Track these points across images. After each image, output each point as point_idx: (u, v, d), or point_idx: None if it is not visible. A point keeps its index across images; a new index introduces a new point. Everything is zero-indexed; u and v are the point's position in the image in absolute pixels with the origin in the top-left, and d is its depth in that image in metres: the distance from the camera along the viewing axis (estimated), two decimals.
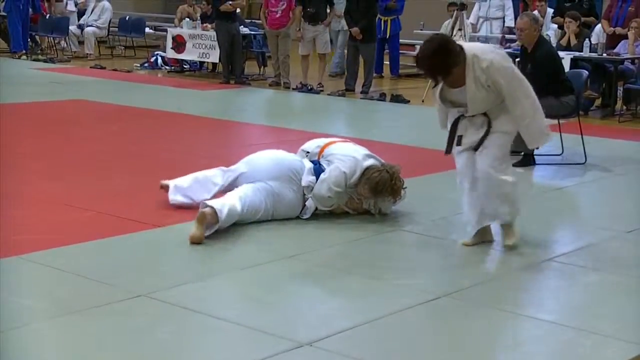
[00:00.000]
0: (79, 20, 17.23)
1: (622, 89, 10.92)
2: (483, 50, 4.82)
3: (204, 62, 14.60)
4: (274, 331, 3.76)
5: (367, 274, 4.59)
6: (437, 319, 4.08)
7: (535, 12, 10.71)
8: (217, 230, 5.02)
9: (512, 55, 10.76)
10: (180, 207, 5.56)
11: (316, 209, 5.51)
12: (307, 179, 5.47)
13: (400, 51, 14.41)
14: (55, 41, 16.83)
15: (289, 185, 5.43)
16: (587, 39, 10.66)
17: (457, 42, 4.83)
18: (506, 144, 4.92)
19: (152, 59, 15.20)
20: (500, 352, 3.78)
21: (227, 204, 5.11)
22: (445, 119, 5.04)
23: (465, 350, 3.73)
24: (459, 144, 4.95)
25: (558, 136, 7.85)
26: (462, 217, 5.17)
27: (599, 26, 11.93)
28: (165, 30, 15.15)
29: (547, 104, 7.33)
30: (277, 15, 12.66)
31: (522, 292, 4.48)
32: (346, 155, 5.55)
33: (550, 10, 12.83)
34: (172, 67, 14.87)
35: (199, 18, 14.80)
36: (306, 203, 5.48)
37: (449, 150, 5.01)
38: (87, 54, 16.55)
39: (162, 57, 15.14)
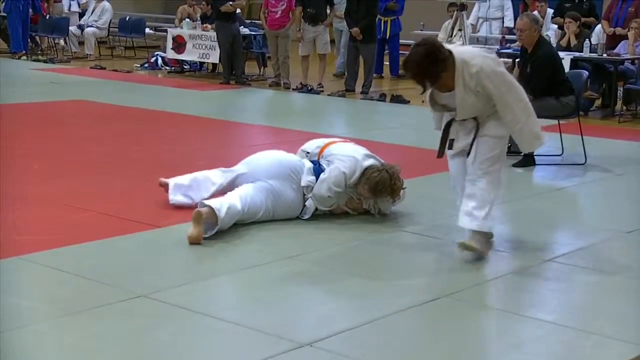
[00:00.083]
0: (80, 20, 17.24)
1: (622, 89, 10.92)
2: (472, 55, 4.74)
3: (204, 62, 14.60)
4: (274, 331, 3.76)
5: (367, 275, 4.59)
6: (437, 320, 4.08)
7: (535, 13, 10.71)
8: (219, 231, 5.03)
9: (512, 56, 10.87)
10: (180, 207, 5.56)
11: (316, 209, 5.51)
12: (307, 178, 5.47)
13: (401, 52, 14.36)
14: (55, 41, 16.84)
15: (288, 184, 5.43)
16: (587, 40, 10.66)
17: (447, 46, 4.73)
18: (495, 147, 4.80)
19: (152, 60, 15.21)
20: (500, 352, 3.77)
21: (226, 203, 5.10)
22: (440, 121, 5.01)
23: (465, 350, 3.72)
24: (450, 147, 4.92)
25: (558, 137, 7.85)
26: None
27: (599, 26, 11.94)
28: (166, 31, 15.16)
29: (547, 104, 7.39)
30: (277, 16, 12.66)
31: (522, 293, 4.48)
32: (346, 155, 5.55)
33: (550, 11, 12.84)
34: (172, 68, 14.87)
35: (199, 18, 14.80)
36: (306, 203, 5.48)
37: (440, 153, 4.98)
38: (87, 54, 16.56)
39: (162, 58, 15.14)
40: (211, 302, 4.18)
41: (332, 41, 13.90)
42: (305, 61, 12.71)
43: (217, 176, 5.65)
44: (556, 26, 12.47)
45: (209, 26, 13.83)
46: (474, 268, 4.74)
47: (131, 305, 4.02)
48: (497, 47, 14.08)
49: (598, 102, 11.32)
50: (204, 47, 13.93)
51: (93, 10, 16.96)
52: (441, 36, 12.57)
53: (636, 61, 10.72)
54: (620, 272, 4.77)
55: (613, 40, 11.24)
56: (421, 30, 15.03)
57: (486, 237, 4.88)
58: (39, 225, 5.26)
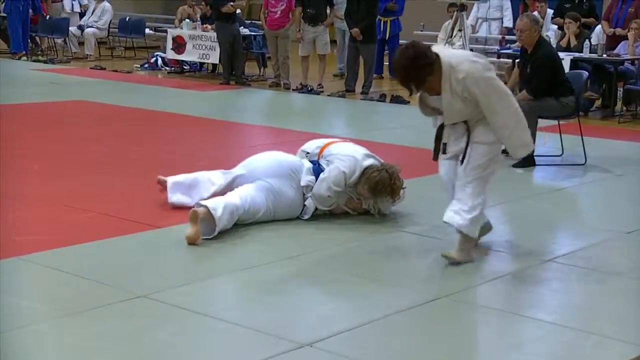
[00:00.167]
0: (80, 21, 17.24)
1: (622, 89, 10.92)
2: (460, 60, 4.65)
3: (204, 63, 14.60)
4: (274, 332, 3.76)
5: (367, 275, 4.59)
6: (437, 320, 4.07)
7: (535, 13, 10.70)
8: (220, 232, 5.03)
9: (512, 56, 10.86)
10: (180, 207, 5.56)
11: (316, 209, 5.52)
12: (306, 178, 5.47)
13: None
14: (54, 41, 16.83)
15: (288, 183, 5.43)
16: (587, 40, 10.65)
17: (435, 49, 4.64)
18: (488, 153, 4.74)
19: (152, 60, 15.20)
20: (501, 352, 3.77)
21: (222, 202, 5.10)
22: (436, 120, 4.98)
23: (464, 351, 3.73)
24: (444, 151, 4.88)
25: (558, 137, 7.86)
26: None
27: (599, 27, 11.94)
28: (166, 31, 15.16)
29: (547, 104, 7.40)
30: (277, 16, 12.66)
31: (523, 293, 4.48)
32: (346, 155, 5.55)
33: (550, 11, 12.84)
34: (172, 68, 14.87)
35: (199, 19, 14.80)
36: (306, 203, 5.48)
37: (435, 156, 4.96)
38: (87, 54, 16.56)
39: (162, 58, 15.13)
40: (211, 303, 4.18)
41: (333, 41, 13.89)
42: (305, 61, 12.71)
43: (217, 177, 5.66)
44: (556, 27, 12.47)
45: (209, 26, 13.83)
46: (474, 268, 4.74)
47: (131, 306, 4.02)
48: (497, 47, 14.10)
49: (598, 103, 11.32)
50: (204, 47, 13.93)
51: (93, 11, 16.95)
52: (441, 36, 12.58)
53: (636, 62, 10.72)
54: (620, 273, 4.77)
55: (613, 41, 11.24)
56: (421, 30, 15.02)
57: (471, 243, 4.85)
58: (39, 225, 5.26)
